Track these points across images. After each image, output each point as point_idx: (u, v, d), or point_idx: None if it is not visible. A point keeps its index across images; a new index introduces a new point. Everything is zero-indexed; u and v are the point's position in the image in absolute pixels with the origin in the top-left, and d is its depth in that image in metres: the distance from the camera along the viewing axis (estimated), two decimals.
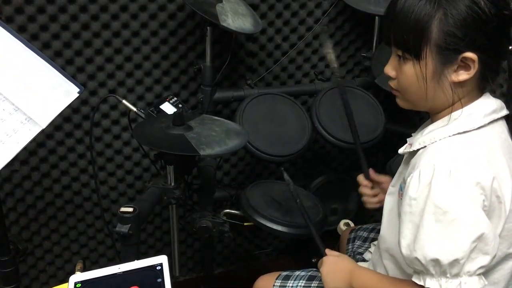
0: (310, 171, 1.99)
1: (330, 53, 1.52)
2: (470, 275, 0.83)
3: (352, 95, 1.71)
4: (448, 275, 0.84)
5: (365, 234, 1.38)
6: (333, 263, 1.08)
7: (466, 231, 0.82)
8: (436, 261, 0.83)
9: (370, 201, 1.28)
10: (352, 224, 1.28)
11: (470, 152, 0.87)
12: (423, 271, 0.87)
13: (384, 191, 1.24)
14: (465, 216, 0.82)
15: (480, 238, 0.82)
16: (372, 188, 1.29)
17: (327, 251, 1.13)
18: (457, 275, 0.83)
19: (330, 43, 1.62)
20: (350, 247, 1.37)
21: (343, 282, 1.04)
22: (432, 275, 0.85)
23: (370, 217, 2.00)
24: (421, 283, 0.87)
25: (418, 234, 0.85)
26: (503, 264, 0.94)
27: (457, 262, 0.82)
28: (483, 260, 0.83)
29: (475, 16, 0.84)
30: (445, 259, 0.82)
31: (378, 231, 1.11)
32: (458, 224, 0.82)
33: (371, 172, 1.29)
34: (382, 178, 1.28)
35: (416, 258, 0.86)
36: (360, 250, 1.32)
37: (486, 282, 0.86)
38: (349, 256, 1.34)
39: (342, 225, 1.32)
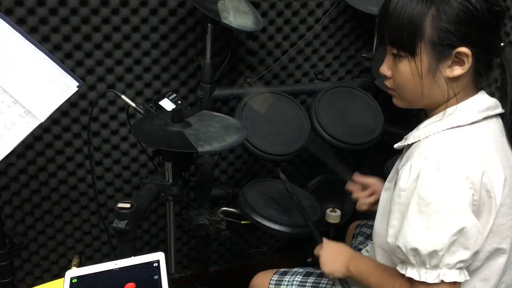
0: (308, 171, 1.99)
1: None
2: (450, 268, 0.84)
3: (351, 95, 1.71)
4: (427, 266, 0.85)
5: (368, 231, 1.38)
6: (334, 247, 1.12)
7: (447, 224, 0.83)
8: (415, 251, 0.85)
9: (365, 202, 1.25)
10: (338, 211, 1.29)
11: (462, 146, 0.88)
12: (405, 261, 0.89)
13: (377, 192, 1.24)
14: (447, 209, 0.83)
15: (460, 231, 0.83)
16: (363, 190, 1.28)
17: (324, 239, 1.16)
18: (436, 267, 0.85)
19: None
20: (353, 242, 1.39)
21: (340, 265, 1.07)
22: (412, 265, 0.87)
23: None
24: (403, 272, 0.89)
25: (403, 224, 0.87)
26: (494, 260, 0.94)
27: (436, 253, 0.83)
28: (463, 254, 0.84)
29: (467, 12, 0.86)
30: (424, 249, 0.84)
31: None
32: (439, 216, 0.83)
33: (357, 176, 1.28)
34: (370, 180, 1.27)
35: (398, 247, 0.88)
36: (361, 247, 1.33)
37: (468, 277, 0.87)
38: None
39: (329, 212, 1.34)
